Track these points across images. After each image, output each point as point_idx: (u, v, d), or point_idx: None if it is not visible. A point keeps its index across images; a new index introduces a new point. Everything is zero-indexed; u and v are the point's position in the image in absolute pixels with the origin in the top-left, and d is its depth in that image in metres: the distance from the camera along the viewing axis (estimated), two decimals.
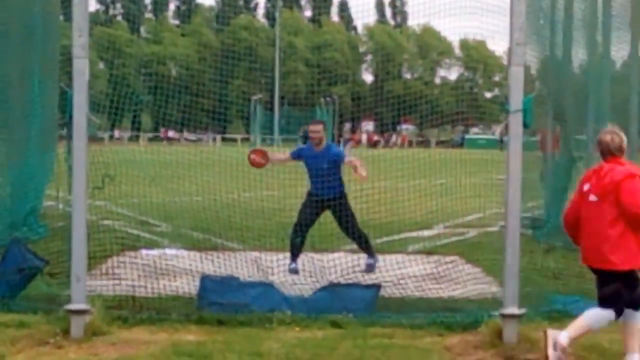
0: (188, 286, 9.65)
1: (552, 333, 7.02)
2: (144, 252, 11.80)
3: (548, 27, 14.28)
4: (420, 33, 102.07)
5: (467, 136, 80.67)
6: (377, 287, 9.14)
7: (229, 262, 10.45)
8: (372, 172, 13.00)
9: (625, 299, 7.05)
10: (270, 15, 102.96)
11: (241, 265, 10.44)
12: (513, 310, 7.69)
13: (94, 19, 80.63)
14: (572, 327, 7.09)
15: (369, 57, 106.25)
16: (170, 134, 55.91)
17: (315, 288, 9.31)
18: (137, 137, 55.32)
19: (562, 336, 6.93)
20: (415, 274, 10.99)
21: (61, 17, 14.74)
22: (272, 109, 63.41)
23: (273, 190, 13.79)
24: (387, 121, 50.92)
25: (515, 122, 7.76)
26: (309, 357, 7.29)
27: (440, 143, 74.92)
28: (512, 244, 7.76)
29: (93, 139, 8.73)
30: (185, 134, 54.90)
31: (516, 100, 7.74)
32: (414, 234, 14.74)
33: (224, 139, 57.41)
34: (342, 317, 8.48)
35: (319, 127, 11.39)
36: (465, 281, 10.42)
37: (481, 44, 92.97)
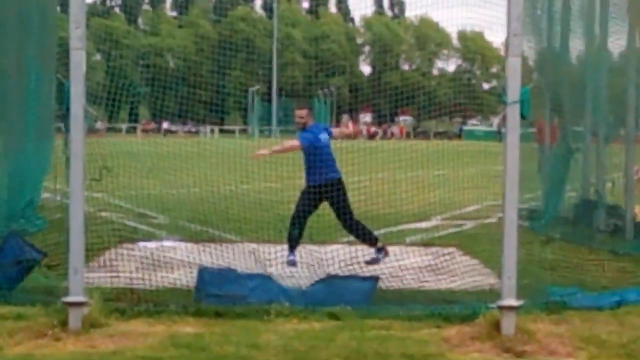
0: (186, 278, 9.65)
1: None
2: (141, 244, 11.81)
3: (545, 18, 14.26)
4: (418, 24, 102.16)
5: (465, 128, 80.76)
6: (374, 279, 9.14)
7: (227, 254, 10.45)
8: (370, 163, 13.02)
9: None
10: (267, 7, 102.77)
11: (239, 257, 10.44)
12: (511, 302, 7.69)
13: (91, 11, 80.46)
14: None
15: (366, 49, 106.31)
16: (165, 125, 55.83)
17: (313, 280, 9.31)
18: (135, 128, 55.33)
19: None
20: (413, 265, 10.99)
21: (58, 9, 14.71)
22: (269, 101, 63.40)
23: (271, 182, 13.80)
24: (385, 113, 50.94)
25: (513, 113, 7.74)
26: (306, 348, 7.29)
27: (438, 134, 74.96)
28: (510, 236, 7.75)
29: (91, 130, 8.72)
30: (166, 126, 54.75)
31: (513, 91, 7.71)
32: (412, 225, 14.74)
33: (221, 131, 57.36)
34: (340, 309, 8.48)
35: (304, 112, 11.34)
36: (463, 273, 10.42)
37: (479, 35, 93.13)
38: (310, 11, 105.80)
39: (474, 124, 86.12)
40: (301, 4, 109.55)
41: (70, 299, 7.73)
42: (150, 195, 14.69)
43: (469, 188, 14.28)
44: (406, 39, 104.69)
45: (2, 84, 12.93)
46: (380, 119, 62.02)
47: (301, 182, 11.70)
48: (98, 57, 49.83)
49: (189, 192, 15.32)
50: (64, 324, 7.71)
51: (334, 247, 11.74)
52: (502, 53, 8.42)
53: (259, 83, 66.58)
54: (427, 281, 10.07)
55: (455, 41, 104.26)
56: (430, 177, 14.53)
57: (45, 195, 14.66)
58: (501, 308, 7.73)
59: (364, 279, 9.22)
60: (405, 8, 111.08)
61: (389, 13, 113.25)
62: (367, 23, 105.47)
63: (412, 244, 13.07)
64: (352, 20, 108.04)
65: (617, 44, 14.20)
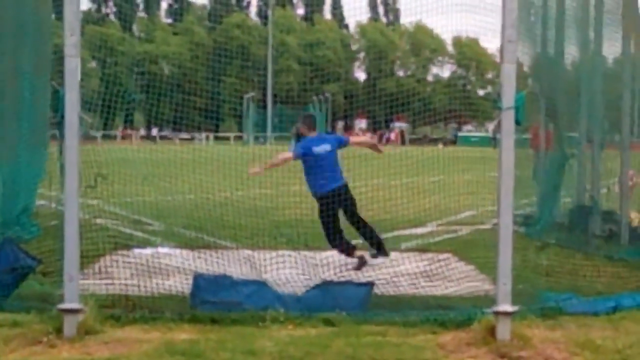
0: (181, 285, 9.63)
1: None
2: (136, 250, 11.78)
3: (540, 24, 14.29)
4: (413, 31, 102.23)
5: (460, 134, 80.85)
6: (370, 285, 9.15)
7: (222, 261, 10.44)
8: (366, 170, 13.03)
9: None
10: (262, 14, 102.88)
11: (234, 263, 10.42)
12: (506, 307, 7.70)
13: (86, 18, 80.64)
14: None
15: (361, 55, 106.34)
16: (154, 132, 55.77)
17: (309, 286, 9.31)
18: (130, 135, 55.29)
19: None
20: (409, 271, 11.00)
21: (53, 16, 14.71)
22: (265, 107, 63.39)
23: (266, 189, 13.80)
24: (380, 119, 50.97)
25: (508, 119, 7.76)
26: (302, 355, 7.28)
27: (433, 140, 75.01)
28: (505, 242, 7.76)
29: (86, 137, 8.72)
30: (155, 132, 54.63)
31: (508, 97, 7.73)
32: (407, 231, 14.74)
33: (216, 138, 57.35)
34: (335, 315, 8.48)
35: (301, 126, 11.89)
36: (458, 279, 10.43)
37: (474, 42, 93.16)
38: (305, 18, 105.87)
39: (469, 130, 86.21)
40: (296, 10, 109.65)
41: (65, 306, 7.72)
42: (145, 202, 14.66)
43: (464, 194, 14.29)
44: (401, 46, 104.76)
45: None
46: (376, 126, 62.11)
47: (296, 188, 11.73)
48: (93, 64, 49.77)
49: (184, 199, 15.30)
50: (59, 331, 7.70)
51: (329, 253, 11.74)
52: (497, 59, 8.45)
53: (254, 90, 66.60)
54: (422, 287, 10.07)
55: (450, 47, 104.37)
56: (425, 183, 14.54)
57: (40, 202, 14.63)
58: (497, 314, 7.73)
59: (360, 285, 9.23)
60: (400, 15, 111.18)
61: (384, 19, 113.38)
62: (362, 30, 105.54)
63: (408, 249, 13.07)
64: (346, 26, 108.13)
65: (611, 49, 14.24)
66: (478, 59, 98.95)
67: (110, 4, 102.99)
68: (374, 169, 13.99)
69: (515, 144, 7.86)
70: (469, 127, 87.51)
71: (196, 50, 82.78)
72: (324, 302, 8.72)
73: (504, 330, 7.67)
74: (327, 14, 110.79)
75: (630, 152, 13.57)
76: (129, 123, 53.18)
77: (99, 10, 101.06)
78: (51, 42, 14.21)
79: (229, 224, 12.95)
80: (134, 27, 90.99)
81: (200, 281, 8.92)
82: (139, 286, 9.41)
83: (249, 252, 11.36)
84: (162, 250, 12.24)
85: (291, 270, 10.74)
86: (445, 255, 12.14)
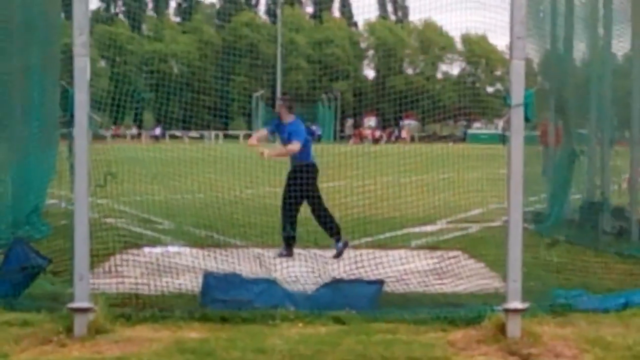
0: (191, 283, 9.63)
1: None
2: (146, 249, 11.80)
3: (549, 21, 14.27)
4: (422, 28, 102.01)
5: (469, 131, 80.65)
6: (380, 283, 9.14)
7: (232, 259, 10.44)
8: (375, 167, 13.02)
9: None
10: (271, 12, 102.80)
11: (244, 262, 10.43)
12: (516, 304, 7.69)
13: (95, 17, 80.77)
14: None
15: (370, 53, 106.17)
16: (157, 131, 55.68)
17: (318, 284, 9.31)
18: (140, 134, 55.35)
19: None
20: (419, 269, 10.98)
21: (62, 16, 14.74)
22: (273, 105, 63.31)
23: (275, 187, 13.79)
24: (389, 117, 50.90)
25: (517, 116, 7.74)
26: (312, 353, 7.28)
27: (442, 138, 74.86)
28: (515, 239, 7.74)
29: (95, 136, 8.73)
30: (158, 132, 54.62)
31: (517, 94, 7.71)
32: (417, 229, 14.73)
33: (226, 136, 57.33)
34: (345, 313, 8.47)
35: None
36: (468, 276, 10.39)
37: (483, 39, 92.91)
38: (314, 16, 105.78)
39: (478, 127, 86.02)
40: (305, 9, 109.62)
41: (75, 305, 7.74)
42: (155, 201, 14.68)
43: (474, 191, 14.25)
44: (410, 43, 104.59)
45: (7, 90, 12.96)
46: (385, 123, 62.01)
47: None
48: (102, 63, 49.84)
49: (193, 198, 15.31)
50: (69, 330, 7.71)
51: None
52: (506, 56, 8.44)
53: (263, 88, 66.60)
54: (432, 285, 10.05)
55: (459, 45, 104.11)
56: (435, 180, 14.52)
57: (50, 201, 14.68)
58: (507, 311, 7.72)
59: (369, 283, 9.21)
60: (409, 12, 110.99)
61: (393, 17, 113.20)
62: (371, 27, 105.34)
63: (418, 247, 13.06)
64: (355, 24, 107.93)
65: (621, 46, 14.21)
66: (487, 56, 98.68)
67: (119, 3, 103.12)
68: (384, 166, 14.00)
69: (525, 140, 7.85)
70: (478, 124, 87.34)
71: (205, 49, 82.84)
72: (334, 300, 8.71)
73: (514, 327, 7.66)
74: (336, 12, 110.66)
75: None
76: (138, 122, 53.25)
77: (107, 9, 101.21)
78: (60, 42, 14.26)
79: (238, 222, 12.97)
80: (143, 26, 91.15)
81: (210, 280, 8.93)
82: (149, 285, 9.42)
83: (259, 250, 11.37)
84: (172, 249, 12.25)
85: (301, 268, 10.75)
86: (455, 253, 12.10)
